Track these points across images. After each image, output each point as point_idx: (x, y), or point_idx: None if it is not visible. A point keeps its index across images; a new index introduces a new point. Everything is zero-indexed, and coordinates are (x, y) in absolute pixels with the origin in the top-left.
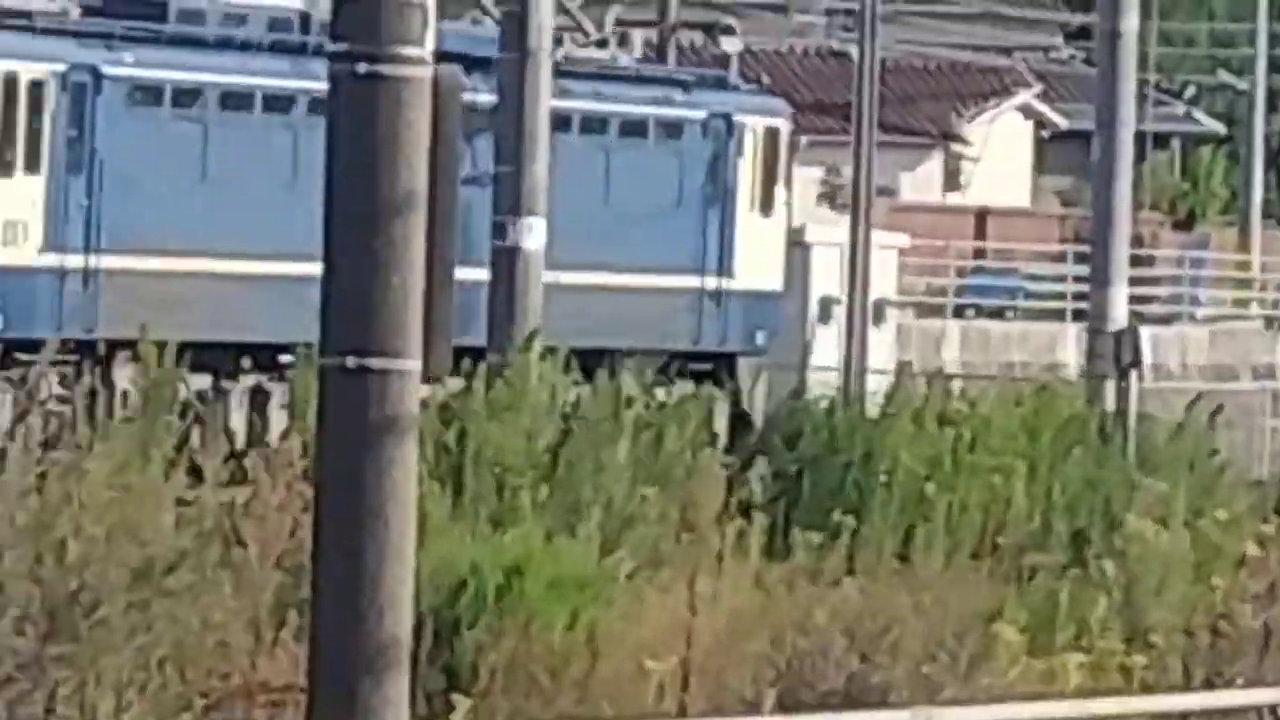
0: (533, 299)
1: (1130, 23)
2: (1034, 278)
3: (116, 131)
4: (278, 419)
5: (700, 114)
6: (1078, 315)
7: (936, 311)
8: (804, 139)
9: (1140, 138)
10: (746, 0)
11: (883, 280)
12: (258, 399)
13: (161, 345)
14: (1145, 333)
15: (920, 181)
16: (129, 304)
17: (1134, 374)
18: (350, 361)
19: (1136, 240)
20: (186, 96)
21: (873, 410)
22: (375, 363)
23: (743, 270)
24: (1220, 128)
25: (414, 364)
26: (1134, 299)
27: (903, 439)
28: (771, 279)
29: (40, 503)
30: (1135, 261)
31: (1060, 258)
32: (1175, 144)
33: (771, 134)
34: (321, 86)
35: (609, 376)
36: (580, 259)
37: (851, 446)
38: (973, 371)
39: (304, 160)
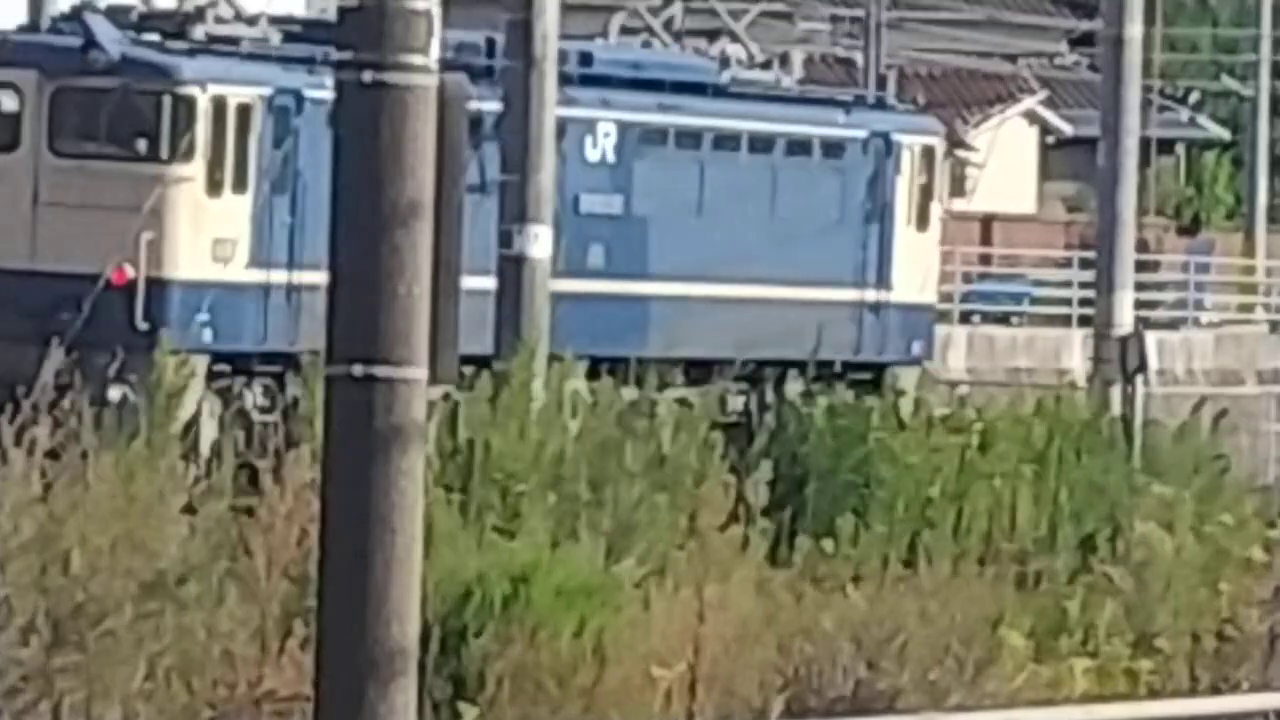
0: (539, 307)
1: (1134, 29)
2: (1040, 283)
3: (316, 152)
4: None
5: (861, 133)
6: (1084, 321)
7: (943, 317)
8: None
9: (1145, 143)
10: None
11: None
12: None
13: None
14: (1151, 338)
15: None
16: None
17: (1139, 379)
18: (357, 370)
19: (1141, 245)
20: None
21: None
22: (382, 371)
23: (900, 283)
24: (1224, 133)
25: (420, 372)
26: (1139, 304)
27: (908, 445)
28: (926, 292)
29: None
30: (1140, 267)
31: (1066, 263)
32: (1180, 149)
33: (927, 152)
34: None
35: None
36: (749, 273)
37: (856, 452)
38: (979, 377)
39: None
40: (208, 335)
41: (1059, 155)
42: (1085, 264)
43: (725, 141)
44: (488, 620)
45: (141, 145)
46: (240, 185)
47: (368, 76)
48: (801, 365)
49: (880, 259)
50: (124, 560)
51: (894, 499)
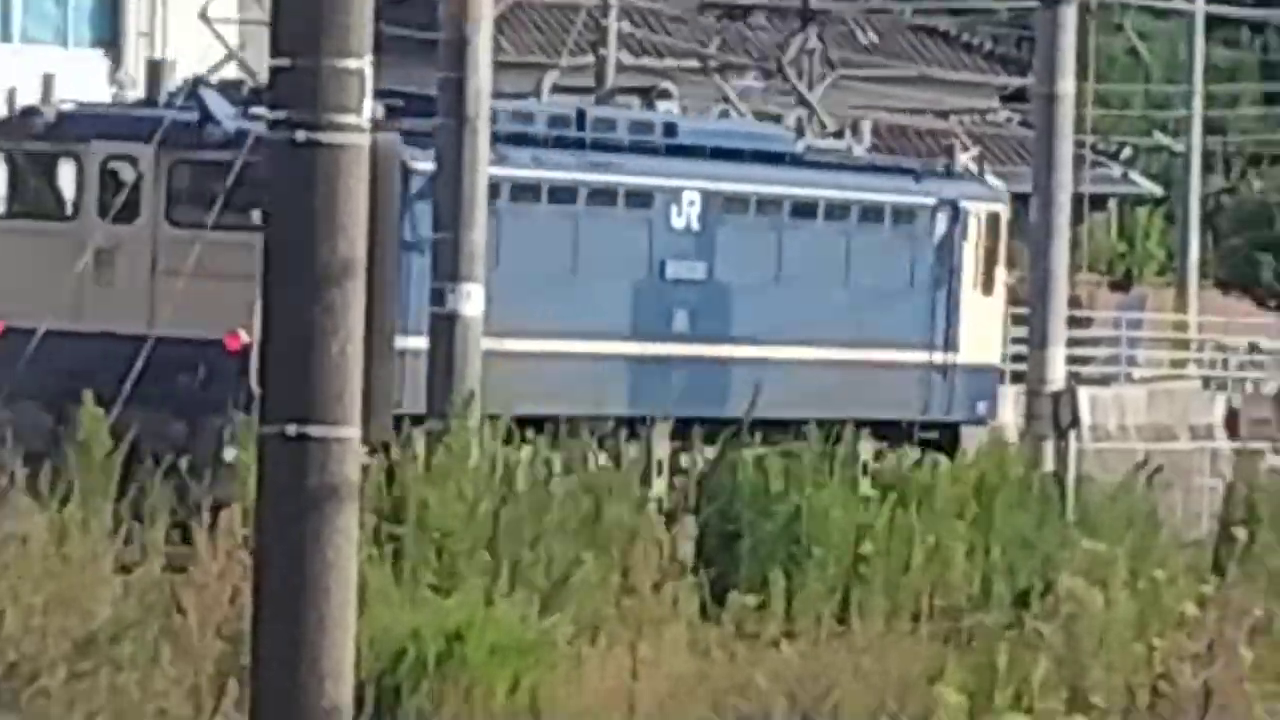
0: (471, 365)
1: (1066, 85)
2: None
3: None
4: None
5: (930, 200)
6: (1016, 377)
7: None
8: None
9: (1077, 199)
10: (683, 65)
11: None
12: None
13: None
14: (1083, 393)
15: None
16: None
17: (1072, 435)
18: (290, 429)
19: (1074, 301)
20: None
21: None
22: (315, 430)
23: (966, 346)
24: (1157, 189)
25: (354, 431)
26: (1071, 359)
27: (836, 501)
28: (991, 353)
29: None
30: (1073, 322)
31: None
32: (1112, 205)
33: (993, 218)
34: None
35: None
36: (824, 336)
37: (785, 507)
38: None
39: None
40: None
41: None
42: (1017, 320)
43: (802, 209)
44: (422, 678)
45: (255, 216)
46: None
47: (300, 136)
48: (873, 424)
49: (948, 322)
50: (57, 620)
51: (826, 555)
